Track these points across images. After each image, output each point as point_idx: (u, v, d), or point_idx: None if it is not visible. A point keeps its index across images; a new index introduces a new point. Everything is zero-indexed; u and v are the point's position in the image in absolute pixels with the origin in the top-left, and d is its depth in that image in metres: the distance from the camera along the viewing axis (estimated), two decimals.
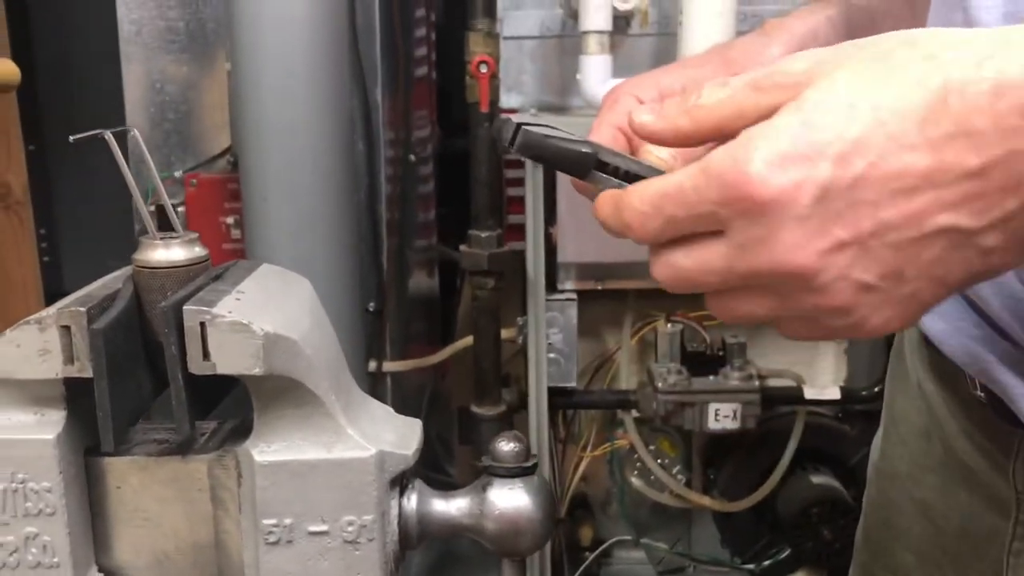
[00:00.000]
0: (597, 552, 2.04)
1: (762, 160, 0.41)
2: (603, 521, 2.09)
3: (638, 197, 0.45)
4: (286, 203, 1.38)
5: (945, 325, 0.66)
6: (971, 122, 0.40)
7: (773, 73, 0.44)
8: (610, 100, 0.63)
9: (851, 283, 0.42)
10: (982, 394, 0.66)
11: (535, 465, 0.59)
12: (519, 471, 0.58)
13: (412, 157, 1.89)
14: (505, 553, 0.59)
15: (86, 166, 2.25)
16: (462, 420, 1.85)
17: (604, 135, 0.60)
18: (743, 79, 0.44)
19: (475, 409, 1.68)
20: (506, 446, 0.58)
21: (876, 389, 1.85)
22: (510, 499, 0.57)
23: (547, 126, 0.50)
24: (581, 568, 2.02)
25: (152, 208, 1.76)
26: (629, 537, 2.05)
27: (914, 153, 0.40)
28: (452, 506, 0.58)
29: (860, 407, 1.90)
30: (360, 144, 1.65)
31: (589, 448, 1.98)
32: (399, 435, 0.57)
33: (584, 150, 0.49)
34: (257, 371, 0.50)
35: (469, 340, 1.73)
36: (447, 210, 2.12)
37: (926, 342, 0.73)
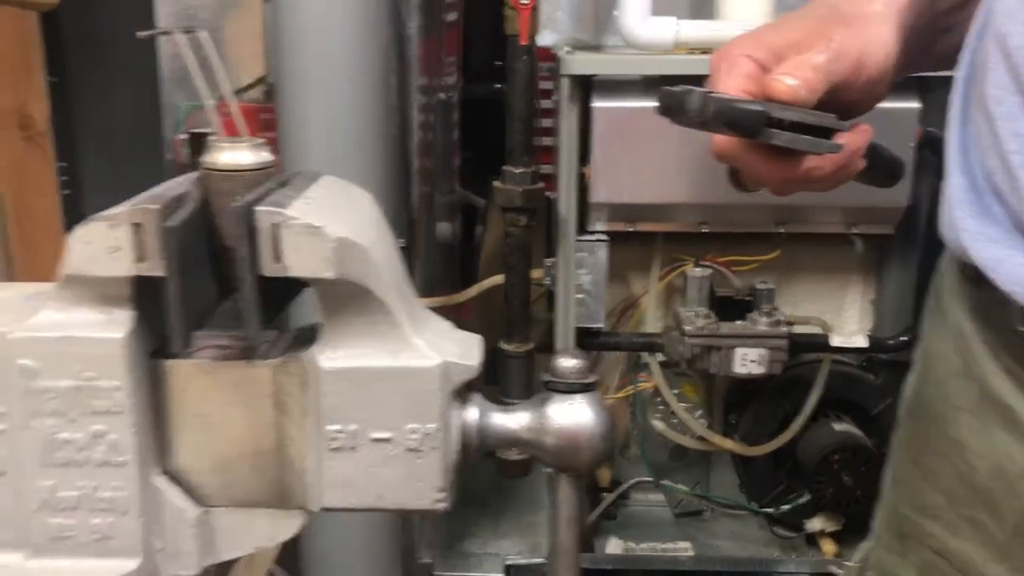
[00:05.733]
0: (616, 493, 2.06)
1: None
2: (621, 463, 2.10)
3: None
4: (326, 131, 1.37)
5: (996, 251, 0.66)
6: None
7: None
8: (726, 64, 0.66)
9: None
10: None
11: (595, 382, 0.59)
12: (579, 387, 0.58)
13: (442, 96, 1.87)
14: (563, 468, 0.59)
15: (109, 99, 2.23)
16: (487, 361, 1.85)
17: None
18: None
19: (504, 346, 1.68)
20: (567, 362, 0.58)
21: (904, 339, 1.84)
22: (570, 414, 0.57)
23: (695, 89, 0.51)
24: (600, 508, 2.04)
25: (185, 136, 1.75)
26: (648, 479, 2.07)
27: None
28: (512, 420, 0.58)
29: (885, 356, 1.90)
30: (392, 77, 1.63)
31: (612, 391, 1.98)
32: (463, 348, 0.57)
33: (757, 108, 0.50)
34: (328, 275, 0.50)
35: (499, 278, 1.72)
36: (464, 156, 2.11)
37: (967, 279, 0.72)
